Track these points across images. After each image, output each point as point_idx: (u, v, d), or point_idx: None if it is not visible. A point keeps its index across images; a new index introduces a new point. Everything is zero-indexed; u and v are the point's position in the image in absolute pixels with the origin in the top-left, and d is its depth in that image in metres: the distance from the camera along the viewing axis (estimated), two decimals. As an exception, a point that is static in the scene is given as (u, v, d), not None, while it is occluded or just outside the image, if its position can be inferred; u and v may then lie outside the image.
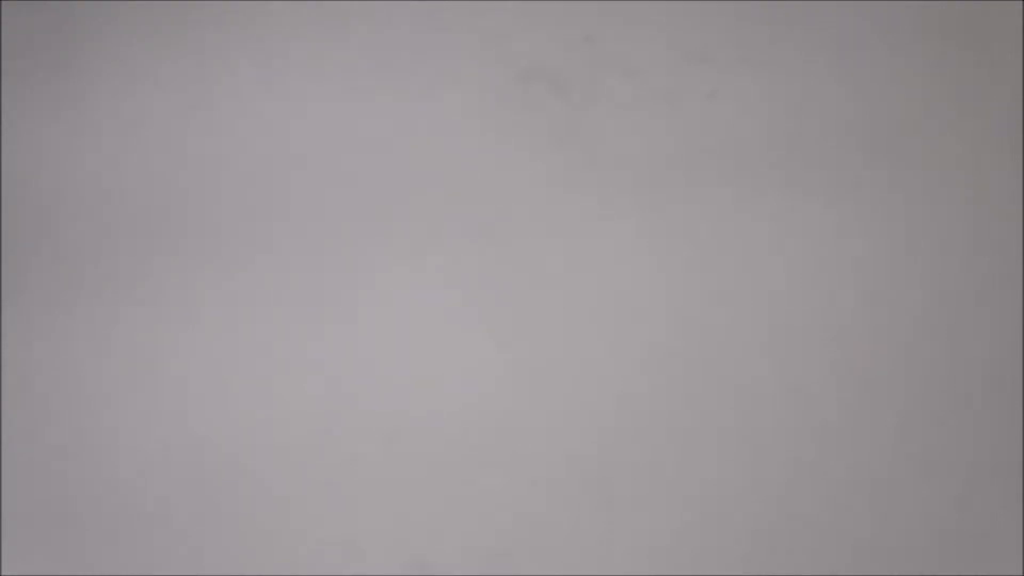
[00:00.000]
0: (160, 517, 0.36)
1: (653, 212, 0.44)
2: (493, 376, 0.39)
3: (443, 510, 0.36)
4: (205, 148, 0.48)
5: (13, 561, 0.35)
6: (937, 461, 0.36)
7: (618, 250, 0.42)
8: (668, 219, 0.43)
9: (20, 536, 0.35)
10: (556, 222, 0.44)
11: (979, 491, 0.35)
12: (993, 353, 0.37)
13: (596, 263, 0.42)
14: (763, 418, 0.38)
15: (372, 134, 0.47)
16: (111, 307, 0.42)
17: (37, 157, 0.48)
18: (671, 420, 0.38)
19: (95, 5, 0.54)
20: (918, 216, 0.41)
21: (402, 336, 0.41)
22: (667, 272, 0.42)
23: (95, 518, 0.36)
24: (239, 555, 0.35)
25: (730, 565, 0.35)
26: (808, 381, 0.38)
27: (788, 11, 0.50)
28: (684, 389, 0.39)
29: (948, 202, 0.42)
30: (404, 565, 0.35)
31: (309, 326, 0.41)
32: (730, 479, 0.36)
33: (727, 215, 0.43)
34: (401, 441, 0.37)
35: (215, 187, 0.46)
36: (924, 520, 0.34)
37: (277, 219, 0.45)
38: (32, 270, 0.44)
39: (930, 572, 0.33)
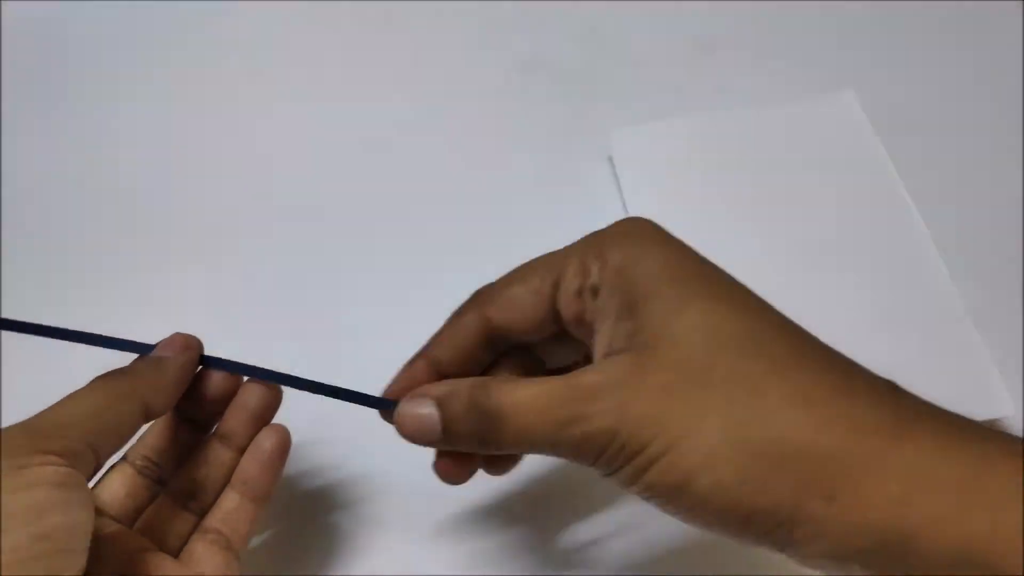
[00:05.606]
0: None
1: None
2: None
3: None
4: (200, 146, 0.47)
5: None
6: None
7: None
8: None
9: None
10: (558, 217, 0.43)
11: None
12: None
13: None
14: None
15: (372, 127, 0.46)
16: (106, 306, 0.41)
17: (35, 157, 0.47)
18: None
19: (93, 6, 0.53)
20: (921, 211, 0.41)
21: (401, 333, 0.40)
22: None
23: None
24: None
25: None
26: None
27: (793, 4, 0.50)
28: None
29: (949, 200, 0.42)
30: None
31: (310, 324, 0.40)
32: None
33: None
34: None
35: (214, 186, 0.45)
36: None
37: (276, 218, 0.44)
38: (29, 270, 0.43)
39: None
